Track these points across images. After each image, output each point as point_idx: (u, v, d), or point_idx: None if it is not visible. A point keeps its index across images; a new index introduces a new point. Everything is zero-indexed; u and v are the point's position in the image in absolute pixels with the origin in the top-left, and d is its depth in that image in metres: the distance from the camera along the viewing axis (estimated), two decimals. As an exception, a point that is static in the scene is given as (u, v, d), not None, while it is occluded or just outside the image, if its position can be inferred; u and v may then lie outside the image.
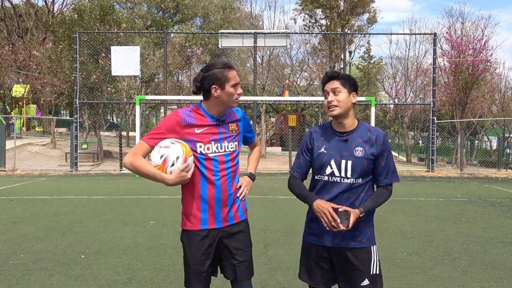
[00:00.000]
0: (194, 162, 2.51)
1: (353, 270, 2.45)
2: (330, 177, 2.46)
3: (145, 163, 2.49)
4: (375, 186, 2.58)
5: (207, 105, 2.57)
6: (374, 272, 2.47)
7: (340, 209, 2.36)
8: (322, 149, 2.50)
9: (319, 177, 2.50)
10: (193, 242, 2.55)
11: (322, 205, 2.38)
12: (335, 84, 2.47)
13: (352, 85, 2.49)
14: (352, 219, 2.34)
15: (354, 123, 2.52)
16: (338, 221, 2.33)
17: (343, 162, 2.43)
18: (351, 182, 2.43)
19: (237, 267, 2.60)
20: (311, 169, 2.60)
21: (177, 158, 2.41)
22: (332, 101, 2.45)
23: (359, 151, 2.44)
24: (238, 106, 2.66)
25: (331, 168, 2.45)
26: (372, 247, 2.50)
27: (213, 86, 2.49)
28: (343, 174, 2.43)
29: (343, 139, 2.48)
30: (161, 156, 2.43)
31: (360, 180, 2.45)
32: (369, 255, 2.48)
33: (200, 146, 2.52)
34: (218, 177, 2.55)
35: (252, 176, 2.80)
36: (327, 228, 2.37)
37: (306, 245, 2.59)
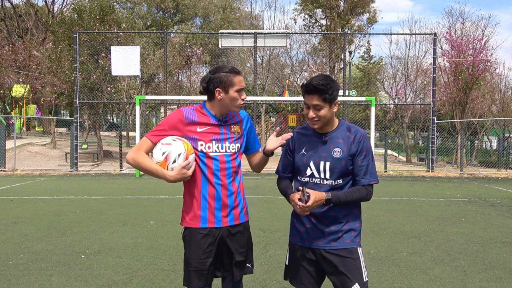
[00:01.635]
0: (195, 161, 2.54)
1: (341, 273, 2.39)
2: (310, 179, 2.44)
3: (146, 159, 2.53)
4: None
5: (210, 106, 2.61)
6: (365, 280, 2.39)
7: (300, 188, 2.37)
8: (303, 151, 2.48)
9: (300, 178, 2.50)
10: (194, 240, 2.57)
11: (291, 198, 2.41)
12: (316, 100, 2.35)
13: (334, 95, 2.37)
14: (312, 199, 2.28)
15: (334, 123, 2.48)
16: (298, 198, 2.34)
17: (322, 163, 2.41)
18: (331, 183, 2.40)
19: (234, 266, 2.63)
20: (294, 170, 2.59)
21: (179, 155, 2.45)
22: (313, 117, 2.39)
23: (337, 152, 2.41)
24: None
25: (311, 169, 2.44)
26: (358, 248, 2.43)
27: (217, 89, 2.53)
28: (322, 176, 2.41)
29: (322, 140, 2.45)
30: (163, 153, 2.46)
31: (340, 181, 2.41)
32: (354, 257, 2.40)
33: (201, 145, 2.55)
34: (218, 176, 2.57)
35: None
36: (299, 213, 2.36)
37: (292, 246, 2.58)
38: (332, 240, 2.42)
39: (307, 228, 2.47)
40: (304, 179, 2.46)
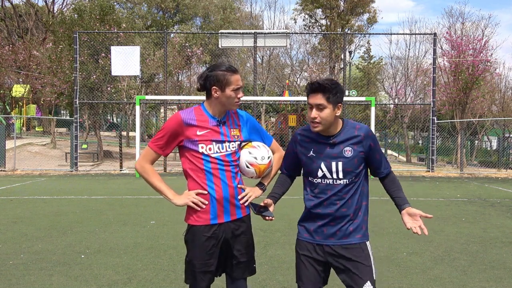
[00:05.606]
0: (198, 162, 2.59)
1: (352, 272, 2.41)
2: (322, 180, 2.44)
3: (153, 174, 2.64)
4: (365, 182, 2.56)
5: (208, 105, 2.62)
6: (374, 271, 2.44)
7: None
8: (311, 153, 2.47)
9: (311, 179, 2.49)
10: (198, 242, 2.57)
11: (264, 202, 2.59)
12: (320, 99, 2.32)
13: (338, 97, 2.35)
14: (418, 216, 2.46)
15: (338, 125, 2.45)
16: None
17: (334, 164, 2.41)
18: (345, 182, 2.42)
19: (235, 266, 2.64)
20: (303, 171, 2.60)
21: (268, 157, 2.67)
22: (315, 118, 2.34)
23: (348, 151, 2.41)
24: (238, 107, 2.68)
25: (322, 171, 2.43)
26: (366, 243, 2.48)
27: (214, 87, 2.54)
28: (335, 176, 2.41)
29: (330, 142, 2.43)
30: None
31: (353, 179, 2.43)
32: (365, 253, 2.44)
33: (202, 147, 2.56)
34: (224, 174, 2.58)
35: (261, 186, 2.79)
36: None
37: (300, 243, 2.57)
38: (344, 236, 2.44)
39: (318, 225, 2.47)
40: (316, 181, 2.46)
